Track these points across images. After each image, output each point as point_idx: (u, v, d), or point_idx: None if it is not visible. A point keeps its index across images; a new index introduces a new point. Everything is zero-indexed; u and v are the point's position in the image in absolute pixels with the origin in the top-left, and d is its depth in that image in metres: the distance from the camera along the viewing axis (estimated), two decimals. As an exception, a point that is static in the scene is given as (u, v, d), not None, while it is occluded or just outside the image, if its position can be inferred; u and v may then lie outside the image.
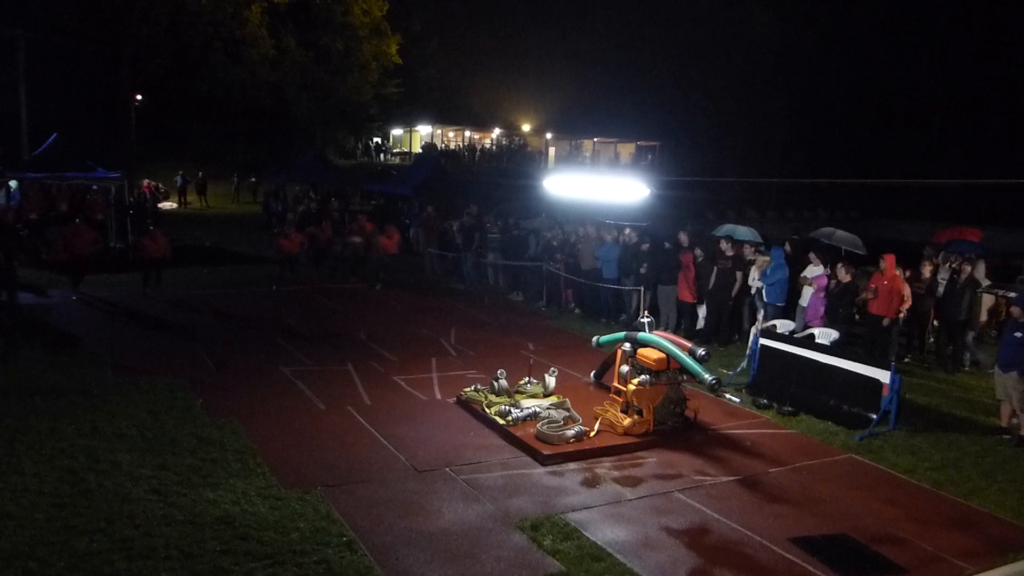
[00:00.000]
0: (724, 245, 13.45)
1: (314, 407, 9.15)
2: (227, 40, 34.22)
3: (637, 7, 50.67)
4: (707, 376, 8.33)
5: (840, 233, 18.02)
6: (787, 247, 13.63)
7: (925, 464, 8.19)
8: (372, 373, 10.60)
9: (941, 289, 12.42)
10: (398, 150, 54.67)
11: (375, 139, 52.89)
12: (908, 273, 12.38)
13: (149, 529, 5.93)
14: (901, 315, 11.99)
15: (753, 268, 13.18)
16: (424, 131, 55.98)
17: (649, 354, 8.62)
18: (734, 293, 13.08)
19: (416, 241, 21.90)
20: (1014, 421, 9.09)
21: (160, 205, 29.43)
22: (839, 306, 11.63)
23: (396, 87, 46.26)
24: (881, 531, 6.58)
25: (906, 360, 12.36)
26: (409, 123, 53.98)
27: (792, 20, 47.51)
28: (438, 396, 9.77)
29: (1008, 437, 9.03)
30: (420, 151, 50.37)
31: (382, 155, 52.06)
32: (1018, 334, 8.86)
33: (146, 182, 29.69)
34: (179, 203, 33.86)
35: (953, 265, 12.65)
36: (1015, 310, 9.12)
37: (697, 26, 50.77)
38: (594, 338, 9.58)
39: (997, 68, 43.65)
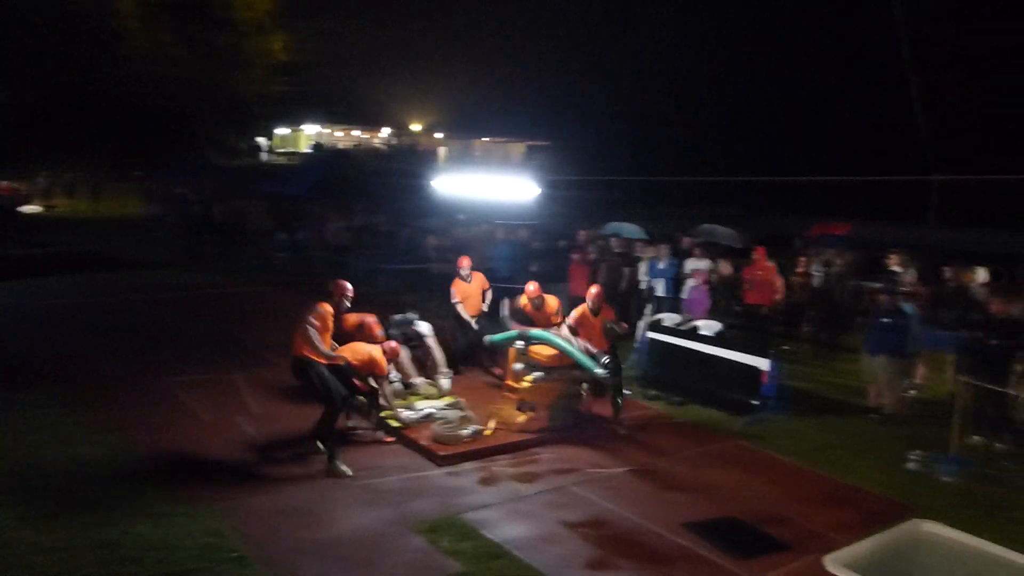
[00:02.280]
0: (613, 242, 13.80)
1: (199, 419, 8.80)
2: (97, 32, 32.48)
3: (524, 9, 51.24)
4: (597, 370, 8.52)
5: (720, 228, 18.77)
6: (677, 243, 14.12)
7: (804, 446, 8.67)
8: (261, 381, 10.29)
9: (816, 281, 13.15)
10: (283, 150, 53.33)
11: (262, 138, 51.42)
12: (800, 268, 13.02)
13: (16, 560, 5.56)
14: (776, 304, 12.63)
15: (641, 264, 13.57)
16: (311, 130, 54.82)
17: (542, 350, 8.75)
18: (622, 288, 13.42)
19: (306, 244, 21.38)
20: (881, 401, 9.74)
21: (23, 208, 27.54)
22: (721, 298, 12.14)
23: (283, 85, 45.12)
24: (766, 511, 6.91)
25: (785, 348, 13.01)
26: (296, 122, 52.76)
27: (678, 22, 49.15)
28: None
29: (876, 416, 9.66)
30: (310, 150, 49.37)
31: (268, 155, 50.68)
32: (885, 320, 9.49)
33: (4, 183, 27.84)
34: (45, 206, 31.88)
35: (826, 258, 13.42)
36: (882, 298, 9.75)
37: (583, 28, 51.80)
38: (485, 337, 9.68)
39: (867, 71, 46.32)
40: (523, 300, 9.87)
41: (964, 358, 9.36)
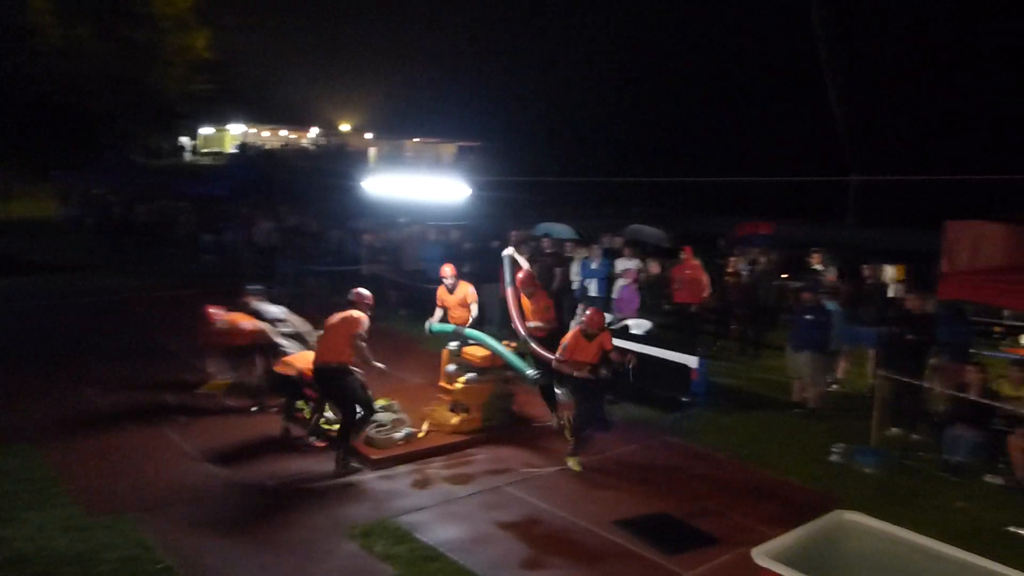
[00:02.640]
0: (544, 243, 13.86)
1: (122, 427, 8.50)
2: (9, 27, 31.06)
3: (454, 9, 51.12)
4: (529, 372, 8.54)
5: (647, 229, 19.07)
6: (607, 243, 14.27)
7: (732, 441, 8.86)
8: (188, 387, 9.99)
9: (743, 279, 13.45)
10: (208, 150, 51.96)
11: (186, 138, 49.98)
12: (730, 267, 13.29)
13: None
14: (703, 302, 12.89)
15: (573, 264, 13.67)
16: (237, 130, 53.57)
17: (475, 352, 8.73)
18: (554, 289, 13.49)
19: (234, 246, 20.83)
20: (805, 396, 10.03)
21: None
22: (650, 297, 12.33)
23: (206, 83, 43.95)
24: (696, 506, 7.04)
25: (714, 348, 13.28)
26: (221, 122, 51.46)
27: (608, 24, 49.77)
28: (254, 408, 9.36)
29: (800, 411, 9.94)
30: (235, 151, 48.24)
31: (192, 155, 49.30)
32: (808, 317, 9.78)
33: None
34: None
35: (751, 257, 13.74)
36: (806, 296, 10.04)
37: (513, 28, 52.00)
38: (427, 323, 9.59)
39: (790, 74, 47.67)
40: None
41: (883, 353, 9.72)
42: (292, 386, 8.22)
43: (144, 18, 38.45)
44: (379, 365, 7.85)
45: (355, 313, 7.81)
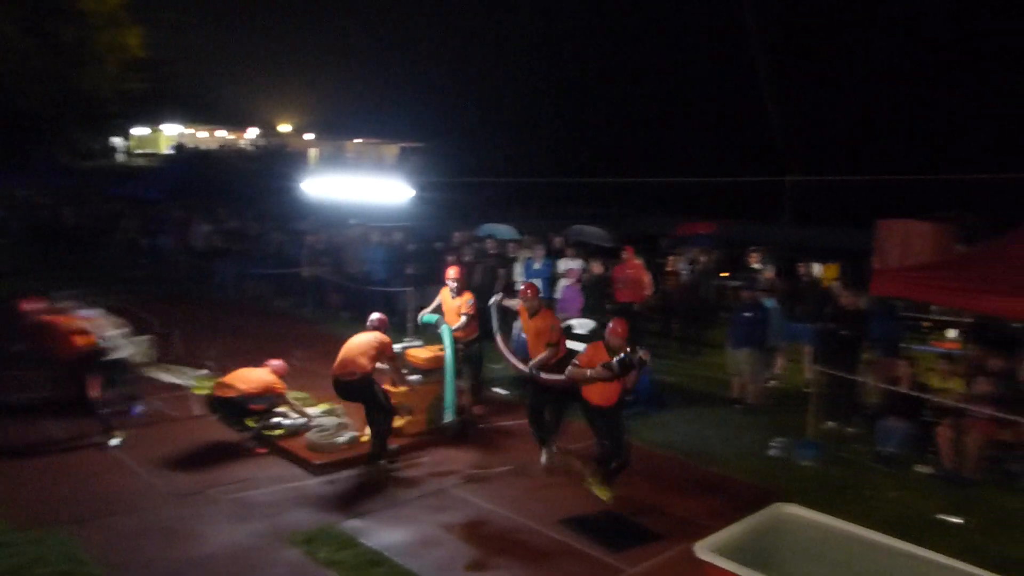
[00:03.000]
0: (488, 243, 13.86)
1: (52, 437, 8.20)
2: None
3: (393, 10, 50.73)
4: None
5: (589, 228, 19.23)
6: (552, 243, 14.34)
7: (673, 437, 8.99)
8: (120, 396, 9.70)
9: (683, 278, 13.66)
10: (143, 151, 50.57)
11: (118, 139, 48.50)
12: (670, 267, 13.46)
13: None
14: (645, 301, 13.04)
15: (516, 264, 13.69)
16: (172, 131, 52.27)
17: (419, 353, 8.67)
18: (499, 290, 13.49)
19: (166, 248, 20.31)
20: (745, 392, 10.23)
21: None
22: (593, 296, 12.42)
23: (140, 82, 42.73)
24: (641, 503, 7.11)
25: (655, 345, 13.43)
26: (156, 122, 50.12)
27: (548, 25, 50.04)
28: (197, 412, 9.15)
29: (740, 406, 10.13)
30: (170, 152, 47.07)
31: (127, 156, 47.90)
32: (747, 315, 9.97)
33: None
34: None
35: (691, 256, 13.97)
36: (745, 294, 10.24)
37: (457, 29, 51.91)
38: (420, 315, 9.40)
39: (727, 77, 48.63)
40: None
41: (818, 349, 9.98)
42: (235, 407, 7.99)
43: (73, 14, 37.18)
44: (411, 379, 8.46)
45: (383, 337, 7.98)
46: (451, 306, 9.23)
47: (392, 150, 60.83)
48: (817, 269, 12.64)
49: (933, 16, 47.47)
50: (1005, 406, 7.84)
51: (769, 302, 10.29)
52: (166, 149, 50.27)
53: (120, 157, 47.54)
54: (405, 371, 8.70)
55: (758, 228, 25.17)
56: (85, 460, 7.59)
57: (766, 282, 11.77)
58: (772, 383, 10.93)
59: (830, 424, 9.36)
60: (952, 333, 12.54)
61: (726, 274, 14.53)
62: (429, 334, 10.50)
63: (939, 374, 8.65)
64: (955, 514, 6.91)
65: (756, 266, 13.95)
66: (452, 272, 9.34)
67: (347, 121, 53.84)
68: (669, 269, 13.48)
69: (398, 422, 8.40)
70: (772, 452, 8.53)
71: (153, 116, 48.41)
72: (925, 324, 14.33)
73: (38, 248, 20.26)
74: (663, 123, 51.94)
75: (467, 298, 9.21)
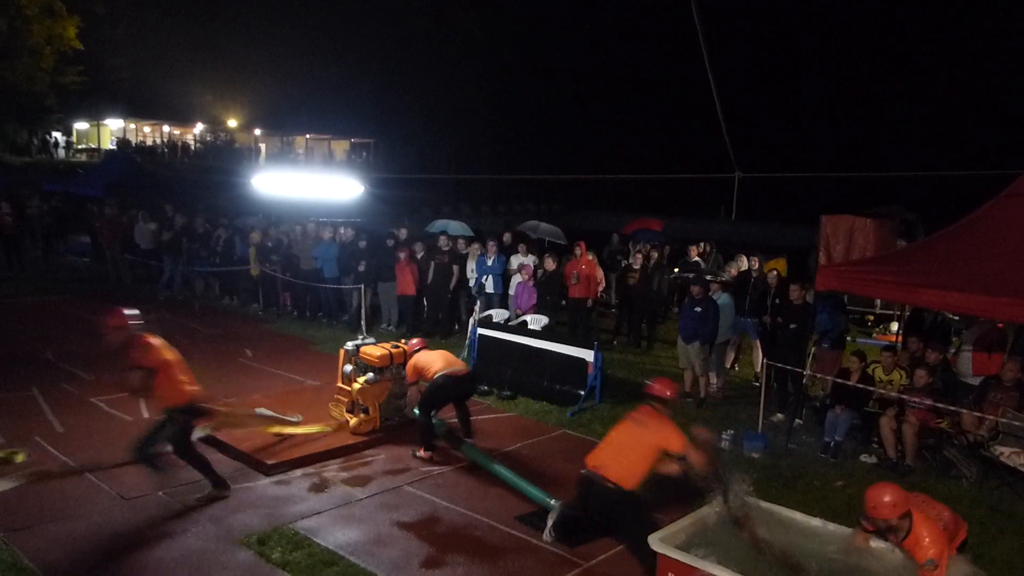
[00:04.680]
0: (441, 240, 13.83)
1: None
2: None
3: (340, 4, 50.09)
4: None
5: (544, 225, 19.30)
6: (504, 239, 14.37)
7: (626, 432, 9.07)
8: (64, 396, 9.46)
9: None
10: (84, 146, 49.11)
11: (55, 134, 46.99)
12: (636, 263, 13.54)
13: None
14: (599, 297, 13.16)
15: (469, 261, 13.69)
16: (115, 125, 50.85)
17: (372, 351, 8.62)
18: (452, 286, 13.49)
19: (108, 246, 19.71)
20: (696, 385, 10.38)
21: None
22: (547, 293, 12.49)
23: (78, 75, 41.44)
24: (593, 498, 7.15)
25: (615, 343, 13.57)
26: (96, 116, 48.67)
27: (496, 21, 49.98)
28: (146, 415, 8.93)
29: (691, 400, 10.29)
30: (111, 147, 45.83)
31: (65, 151, 46.44)
32: (698, 309, 10.11)
33: None
34: None
35: (642, 252, 14.10)
36: (695, 289, 10.39)
37: (405, 23, 51.52)
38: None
39: (677, 77, 49.24)
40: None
41: (766, 342, 10.18)
42: None
43: (6, 4, 35.93)
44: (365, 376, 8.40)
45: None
46: None
47: (342, 145, 60.17)
48: (744, 263, 12.78)
49: (874, 16, 48.77)
50: (942, 397, 8.13)
51: (722, 297, 10.43)
52: (109, 144, 48.90)
53: (61, 152, 46.08)
54: (353, 368, 8.64)
55: (705, 224, 25.55)
56: (28, 467, 7.35)
57: (719, 277, 11.95)
58: (723, 376, 11.10)
59: (779, 416, 9.57)
60: (895, 326, 12.91)
61: (676, 269, 14.73)
62: (380, 332, 10.47)
63: (883, 366, 8.91)
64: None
65: (696, 259, 14.18)
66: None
67: (296, 116, 52.96)
68: (635, 266, 13.55)
69: (352, 421, 8.36)
70: (722, 444, 8.67)
71: (94, 111, 46.98)
72: (869, 318, 14.76)
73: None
74: (610, 121, 52.43)
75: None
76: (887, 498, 4.64)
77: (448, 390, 8.04)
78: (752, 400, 9.85)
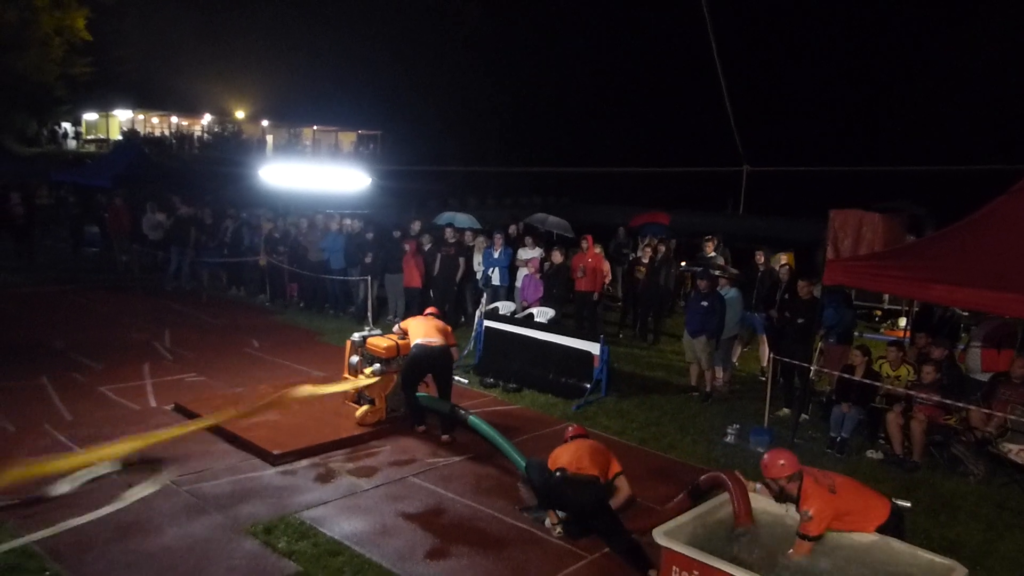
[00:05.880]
0: (448, 232, 13.84)
1: (1, 430, 7.99)
2: None
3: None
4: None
5: (552, 218, 19.26)
6: (511, 232, 14.36)
7: (632, 425, 9.09)
8: (73, 385, 9.50)
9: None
10: (93, 137, 49.24)
11: (65, 124, 47.11)
12: (646, 256, 13.52)
13: None
14: (605, 290, 13.15)
15: (475, 253, 13.69)
16: (124, 116, 50.98)
17: (378, 342, 8.63)
18: (458, 278, 13.49)
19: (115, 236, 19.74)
20: (702, 380, 10.37)
21: None
22: (553, 286, 12.48)
23: (87, 66, 41.53)
24: (598, 490, 7.15)
25: (620, 336, 13.56)
26: (105, 107, 48.79)
27: (503, 14, 49.85)
28: (153, 404, 9.00)
29: (696, 394, 10.28)
30: (120, 138, 45.89)
31: (74, 142, 46.57)
32: (704, 303, 10.10)
33: None
34: None
35: (650, 246, 14.06)
36: (701, 283, 10.36)
37: (412, 15, 51.43)
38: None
39: (683, 68, 49.03)
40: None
41: (773, 337, 10.16)
42: None
43: (15, -6, 36.03)
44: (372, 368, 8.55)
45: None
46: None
47: (349, 137, 60.15)
48: (761, 257, 12.75)
49: (883, 8, 48.45)
50: (948, 393, 8.09)
51: (730, 291, 10.41)
52: (118, 135, 49.01)
53: (71, 143, 46.22)
54: (359, 359, 8.66)
55: (712, 218, 25.43)
56: (35, 451, 7.39)
57: (726, 271, 11.91)
58: (729, 371, 11.09)
59: (785, 411, 9.56)
60: (903, 322, 12.86)
61: (684, 263, 14.69)
62: (386, 323, 10.49)
63: (890, 362, 8.87)
64: (904, 498, 7.09)
65: (711, 254, 14.12)
66: None
67: (303, 108, 52.96)
68: (644, 259, 13.52)
69: (358, 412, 8.38)
70: (728, 439, 8.67)
71: (102, 102, 47.07)
72: (877, 313, 14.71)
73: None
74: (618, 114, 52.26)
75: None
76: (780, 460, 5.19)
77: (420, 361, 8.32)
78: (758, 395, 9.84)
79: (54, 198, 22.88)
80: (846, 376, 8.72)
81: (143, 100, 48.93)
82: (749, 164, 25.55)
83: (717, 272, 11.28)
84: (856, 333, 11.55)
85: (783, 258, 11.92)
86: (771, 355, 9.37)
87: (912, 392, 8.26)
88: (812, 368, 9.27)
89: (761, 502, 5.42)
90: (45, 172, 28.78)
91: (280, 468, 7.33)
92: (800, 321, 9.34)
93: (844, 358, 9.24)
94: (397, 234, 14.04)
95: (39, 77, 38.12)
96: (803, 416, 9.28)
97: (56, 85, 40.25)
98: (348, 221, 14.75)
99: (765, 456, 5.36)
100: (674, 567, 4.81)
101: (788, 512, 5.27)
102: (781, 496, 5.27)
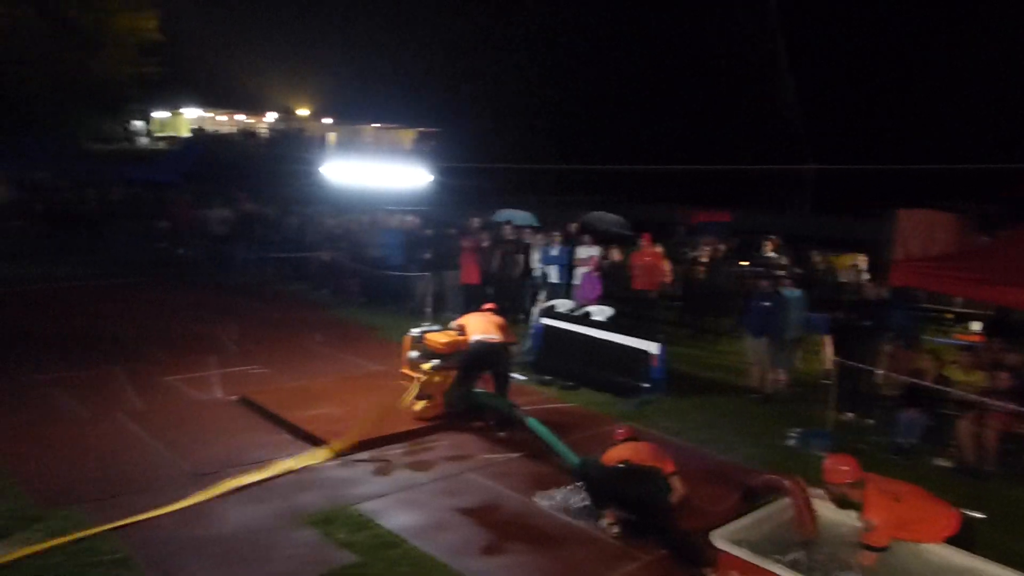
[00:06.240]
0: (506, 230, 13.88)
1: (76, 417, 8.30)
2: None
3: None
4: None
5: (610, 216, 19.16)
6: (569, 229, 14.33)
7: (690, 425, 8.98)
8: (143, 375, 9.81)
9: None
10: (162, 134, 50.82)
11: (136, 122, 48.73)
12: (704, 256, 13.39)
13: None
14: (663, 289, 13.03)
15: (533, 251, 13.69)
16: (192, 114, 52.50)
17: (437, 338, 8.70)
18: (516, 276, 13.52)
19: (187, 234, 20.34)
20: (762, 381, 10.18)
21: None
22: (611, 284, 12.41)
23: (157, 66, 42.85)
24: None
25: (678, 336, 13.40)
26: (174, 106, 50.34)
27: (562, 9, 49.74)
28: (219, 395, 9.25)
29: (756, 396, 10.10)
30: (189, 135, 47.25)
31: (145, 140, 48.14)
32: (766, 303, 9.91)
33: None
34: None
35: (712, 245, 13.90)
36: (763, 283, 10.18)
37: (471, 13, 51.70)
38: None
39: (746, 62, 48.17)
40: None
41: (836, 339, 9.91)
42: None
43: (90, -2, 37.35)
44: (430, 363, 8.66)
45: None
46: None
47: (409, 135, 60.71)
48: (850, 260, 12.51)
49: (955, 7, 46.83)
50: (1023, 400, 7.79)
51: (792, 291, 10.19)
52: (186, 133, 50.49)
53: (142, 141, 47.79)
54: (418, 355, 8.75)
55: (773, 217, 24.97)
56: (108, 438, 7.67)
57: (789, 271, 11.69)
58: (790, 373, 10.85)
59: (849, 415, 9.32)
60: (976, 326, 12.42)
61: (744, 263, 14.45)
62: (444, 319, 10.57)
63: (962, 367, 8.58)
64: (975, 508, 6.85)
65: (772, 254, 13.86)
66: None
67: (364, 106, 53.72)
68: (702, 259, 13.38)
69: (416, 406, 8.46)
70: (789, 442, 8.51)
71: (171, 100, 48.56)
72: (948, 316, 14.23)
73: (57, 230, 20.33)
74: (679, 110, 51.63)
75: None
76: (842, 466, 5.12)
77: (479, 357, 8.36)
78: (820, 397, 9.60)
79: (126, 194, 23.62)
80: (914, 381, 8.46)
81: (210, 99, 50.32)
82: (815, 162, 25.00)
83: (779, 272, 11.06)
84: (925, 337, 11.20)
85: (853, 258, 11.64)
86: (834, 357, 9.14)
87: (984, 398, 7.97)
88: (878, 372, 9.02)
89: (822, 508, 5.30)
90: (118, 169, 29.79)
91: (339, 460, 7.44)
92: (866, 323, 9.10)
93: (910, 362, 8.97)
94: (455, 231, 14.13)
95: (113, 77, 39.42)
96: (867, 421, 9.04)
97: (129, 84, 41.60)
98: (407, 218, 14.91)
99: (827, 461, 5.25)
100: (732, 572, 4.74)
101: (851, 518, 5.14)
102: (842, 502, 5.14)
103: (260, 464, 7.19)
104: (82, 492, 6.46)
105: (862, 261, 11.46)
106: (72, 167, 27.59)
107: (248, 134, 52.18)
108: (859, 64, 47.96)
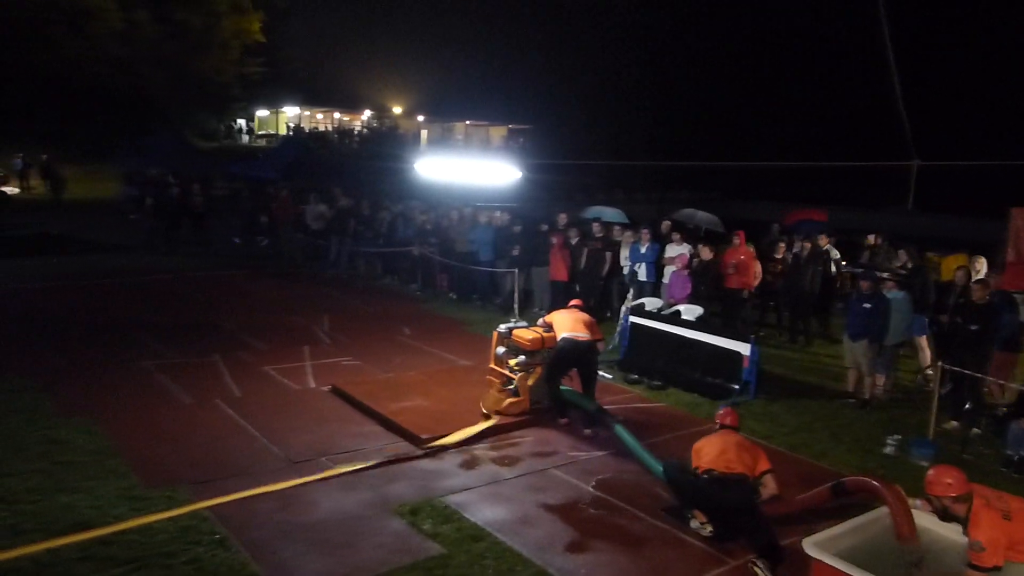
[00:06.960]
0: (595, 227, 13.80)
1: (179, 402, 8.73)
2: (67, 11, 31.67)
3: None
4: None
5: (701, 214, 18.80)
6: (658, 227, 14.14)
7: (782, 429, 8.73)
8: (241, 364, 10.22)
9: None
10: (264, 132, 52.76)
11: (239, 120, 50.77)
12: (780, 254, 13.01)
13: (-7, 542, 5.49)
14: (755, 288, 12.68)
15: (623, 248, 13.57)
16: (291, 113, 54.31)
17: (524, 334, 8.73)
18: (604, 273, 13.43)
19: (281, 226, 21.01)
20: (860, 386, 9.80)
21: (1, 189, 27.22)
22: (701, 283, 12.17)
23: (259, 66, 44.54)
24: (743, 495, 6.92)
25: (761, 334, 13.06)
26: (275, 104, 52.20)
27: (654, 7, 49.14)
28: (312, 385, 9.54)
29: (853, 401, 9.73)
30: (288, 133, 48.89)
31: (247, 137, 50.08)
32: (866, 305, 9.52)
33: None
34: (21, 188, 31.30)
35: (803, 243, 13.43)
36: (864, 284, 9.79)
37: (563, 11, 51.62)
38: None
39: (848, 58, 46.48)
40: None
41: (941, 343, 9.46)
42: None
43: (200, 2, 39.07)
44: (517, 359, 8.66)
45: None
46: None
47: (500, 131, 61.15)
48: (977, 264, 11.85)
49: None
50: None
51: (896, 293, 9.74)
52: (284, 130, 52.27)
53: (245, 138, 49.76)
54: (505, 350, 8.79)
55: (872, 215, 24.00)
56: (209, 423, 8.04)
57: (894, 272, 11.18)
58: (891, 379, 10.40)
59: (953, 424, 8.89)
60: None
61: (844, 262, 13.92)
62: (532, 316, 10.61)
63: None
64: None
65: (882, 254, 13.24)
66: None
67: (456, 103, 54.47)
68: (779, 257, 12.99)
69: (504, 402, 8.51)
70: (887, 450, 8.16)
71: (273, 99, 50.38)
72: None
73: (169, 224, 21.34)
74: (773, 105, 50.24)
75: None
76: (947, 479, 4.68)
77: (566, 355, 8.33)
78: (922, 405, 9.19)
79: (229, 189, 24.63)
80: (1025, 389, 8.00)
81: (308, 97, 51.95)
82: (920, 158, 23.89)
83: (883, 274, 10.59)
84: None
85: (962, 259, 11.05)
86: (939, 362, 8.71)
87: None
88: (988, 379, 8.55)
89: (924, 519, 5.06)
90: (222, 165, 31.10)
91: (427, 452, 7.57)
92: (974, 327, 8.64)
93: (1014, 367, 8.47)
94: (544, 227, 14.14)
95: (219, 77, 41.20)
96: (974, 430, 8.59)
97: (233, 84, 43.37)
98: (497, 214, 15.01)
99: (930, 472, 4.93)
100: (825, 581, 4.58)
101: (955, 533, 4.89)
102: (945, 516, 4.81)
103: (352, 453, 7.39)
104: (184, 474, 6.78)
105: (980, 263, 10.77)
106: (180, 164, 28.98)
107: (344, 132, 53.59)
108: (969, 57, 45.63)
